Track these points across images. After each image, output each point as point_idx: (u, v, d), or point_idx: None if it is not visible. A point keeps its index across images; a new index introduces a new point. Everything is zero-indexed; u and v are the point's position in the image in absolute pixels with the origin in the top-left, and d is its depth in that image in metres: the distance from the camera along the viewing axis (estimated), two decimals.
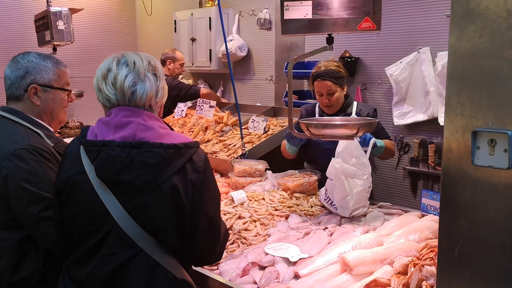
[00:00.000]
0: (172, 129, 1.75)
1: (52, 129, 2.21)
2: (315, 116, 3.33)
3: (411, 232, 2.26)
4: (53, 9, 5.07)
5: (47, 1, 5.23)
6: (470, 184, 1.21)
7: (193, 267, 2.15)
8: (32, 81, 2.10)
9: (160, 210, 1.63)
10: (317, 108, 3.38)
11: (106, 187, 1.63)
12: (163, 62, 5.57)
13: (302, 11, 2.37)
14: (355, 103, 3.30)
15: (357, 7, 2.31)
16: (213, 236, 1.77)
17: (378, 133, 3.20)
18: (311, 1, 2.35)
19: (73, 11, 5.28)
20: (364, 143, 2.77)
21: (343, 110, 3.27)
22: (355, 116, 3.18)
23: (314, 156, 3.38)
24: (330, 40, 2.44)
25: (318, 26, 2.38)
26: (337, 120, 2.67)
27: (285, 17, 2.41)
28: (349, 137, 2.41)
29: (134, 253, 1.64)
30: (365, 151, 2.71)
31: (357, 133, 2.34)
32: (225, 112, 4.65)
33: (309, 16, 2.36)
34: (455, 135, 1.23)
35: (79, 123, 6.13)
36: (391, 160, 4.44)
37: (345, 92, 3.27)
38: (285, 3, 2.39)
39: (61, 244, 1.85)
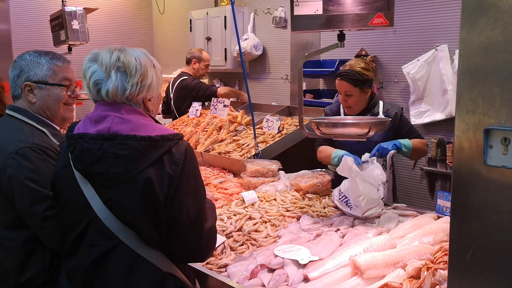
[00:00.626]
0: (159, 123, 1.75)
1: (58, 127, 2.19)
2: (339, 115, 3.27)
3: (425, 235, 2.19)
4: (67, 8, 5.09)
5: (62, 1, 5.26)
6: (483, 185, 1.15)
7: (201, 269, 2.13)
8: (26, 79, 2.08)
9: (132, 202, 1.61)
10: (341, 108, 3.32)
11: (85, 179, 1.65)
12: (189, 61, 5.51)
13: (313, 7, 2.32)
14: (381, 103, 3.24)
15: (369, 2, 2.25)
16: (195, 230, 1.70)
17: (408, 133, 3.17)
18: None
19: (88, 10, 5.29)
20: (381, 155, 2.74)
21: (369, 110, 3.20)
22: (383, 116, 3.13)
23: None
24: (341, 37, 2.38)
25: (329, 22, 2.32)
26: (348, 118, 2.60)
27: (295, 13, 2.36)
28: (361, 137, 2.35)
29: (114, 244, 1.65)
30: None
31: (368, 132, 2.28)
32: (239, 112, 4.61)
33: (320, 12, 2.31)
34: (466, 133, 1.16)
35: None
36: (408, 160, 4.35)
37: (368, 95, 3.18)
38: None
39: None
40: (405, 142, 2.95)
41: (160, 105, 5.83)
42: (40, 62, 2.10)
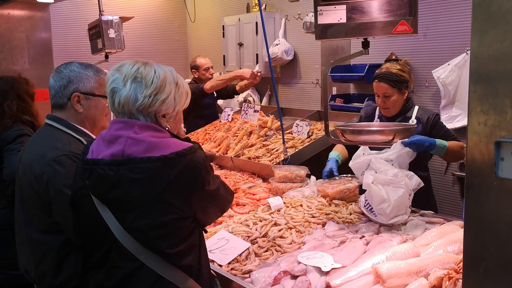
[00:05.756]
0: (176, 136, 1.72)
1: (94, 136, 2.28)
2: (374, 118, 3.29)
3: (450, 243, 2.16)
4: (104, 18, 5.24)
5: (100, 11, 5.43)
6: (495, 198, 1.14)
7: (225, 275, 2.16)
8: (75, 90, 2.17)
9: (152, 225, 1.62)
10: (377, 111, 3.33)
11: (103, 204, 1.65)
12: (192, 72, 5.62)
13: (336, 16, 2.33)
14: (416, 107, 3.22)
15: (392, 10, 2.24)
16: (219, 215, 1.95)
17: (443, 137, 3.14)
18: (345, 5, 2.30)
19: (123, 19, 5.44)
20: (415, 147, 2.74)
21: (403, 114, 3.21)
22: (414, 120, 3.13)
23: None
24: (365, 44, 2.39)
25: (353, 31, 2.33)
26: (373, 126, 2.59)
27: (319, 22, 2.37)
28: (386, 144, 2.34)
29: (136, 266, 1.65)
30: None
31: (393, 139, 2.27)
32: (269, 117, 4.64)
33: (343, 20, 2.32)
34: (478, 145, 1.16)
35: None
36: (440, 165, 4.29)
37: (405, 96, 3.21)
38: (319, 8, 2.35)
39: (80, 250, 1.91)
40: (440, 141, 2.91)
41: None
42: (88, 75, 2.20)
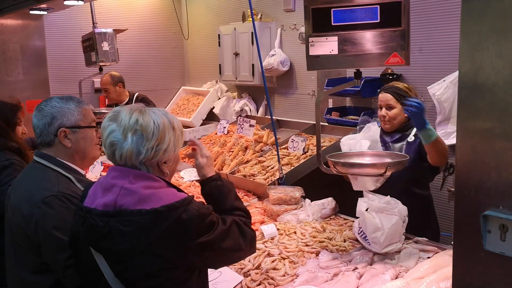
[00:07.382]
0: (173, 186, 1.73)
1: (83, 172, 2.26)
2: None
3: (442, 279, 2.14)
4: (98, 30, 5.22)
5: (93, 23, 5.40)
6: (482, 269, 1.13)
7: None
8: (60, 125, 2.15)
9: (143, 276, 1.62)
10: (377, 126, 3.32)
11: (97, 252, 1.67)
12: None
13: (328, 47, 2.31)
14: (415, 129, 3.15)
15: (384, 42, 2.23)
16: (232, 260, 1.95)
17: None
18: (336, 37, 2.28)
19: (117, 31, 5.41)
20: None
21: (402, 131, 3.21)
22: (412, 138, 3.13)
23: None
24: (357, 75, 2.37)
25: (344, 62, 2.31)
26: (366, 155, 2.56)
27: (310, 53, 2.35)
28: (378, 176, 2.33)
29: None
30: None
31: (385, 172, 2.25)
32: (265, 131, 4.62)
33: (335, 52, 2.30)
34: (466, 216, 1.15)
35: None
36: (436, 181, 4.26)
37: (406, 115, 3.13)
38: (310, 39, 2.33)
39: None
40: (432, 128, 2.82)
41: None
42: (70, 108, 2.17)
